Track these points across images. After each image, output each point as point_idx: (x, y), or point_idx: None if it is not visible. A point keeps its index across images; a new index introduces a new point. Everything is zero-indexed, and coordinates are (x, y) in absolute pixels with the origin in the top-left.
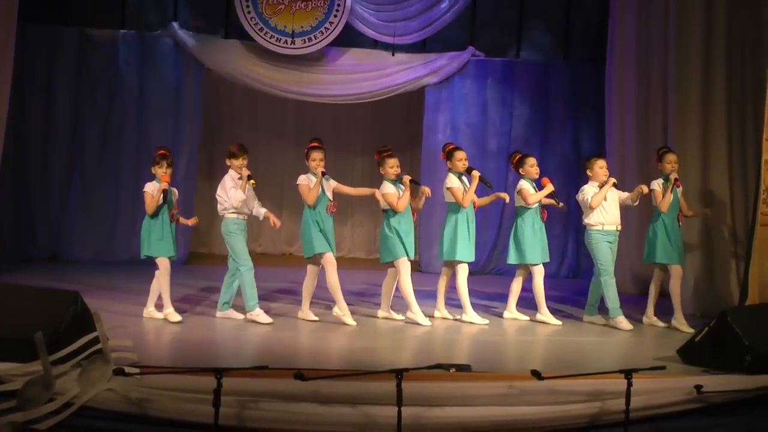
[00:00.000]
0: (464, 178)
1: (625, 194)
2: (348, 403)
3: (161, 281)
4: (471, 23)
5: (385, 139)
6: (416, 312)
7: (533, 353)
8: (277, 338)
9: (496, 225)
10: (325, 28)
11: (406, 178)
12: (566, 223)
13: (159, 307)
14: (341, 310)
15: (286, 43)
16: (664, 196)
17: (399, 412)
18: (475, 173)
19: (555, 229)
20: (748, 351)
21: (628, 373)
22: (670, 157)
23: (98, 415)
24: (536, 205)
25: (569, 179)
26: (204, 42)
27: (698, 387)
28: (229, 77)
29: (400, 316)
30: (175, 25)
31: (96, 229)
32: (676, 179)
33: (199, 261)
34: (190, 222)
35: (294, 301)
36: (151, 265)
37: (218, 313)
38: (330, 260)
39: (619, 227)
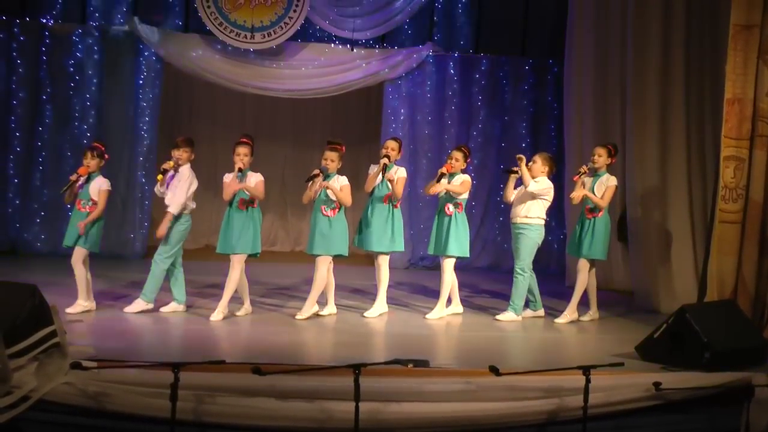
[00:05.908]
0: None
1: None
2: (305, 398)
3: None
4: (430, 19)
5: (343, 133)
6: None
7: (491, 349)
8: (232, 333)
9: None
10: (285, 23)
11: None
12: None
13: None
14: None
15: (246, 38)
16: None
17: (357, 408)
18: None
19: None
20: (706, 348)
21: (586, 370)
22: (594, 150)
23: (55, 408)
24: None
25: None
26: (164, 36)
27: (657, 384)
28: (189, 71)
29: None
30: (136, 19)
31: (54, 222)
32: (580, 172)
33: None
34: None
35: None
36: (110, 259)
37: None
38: (231, 261)
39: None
